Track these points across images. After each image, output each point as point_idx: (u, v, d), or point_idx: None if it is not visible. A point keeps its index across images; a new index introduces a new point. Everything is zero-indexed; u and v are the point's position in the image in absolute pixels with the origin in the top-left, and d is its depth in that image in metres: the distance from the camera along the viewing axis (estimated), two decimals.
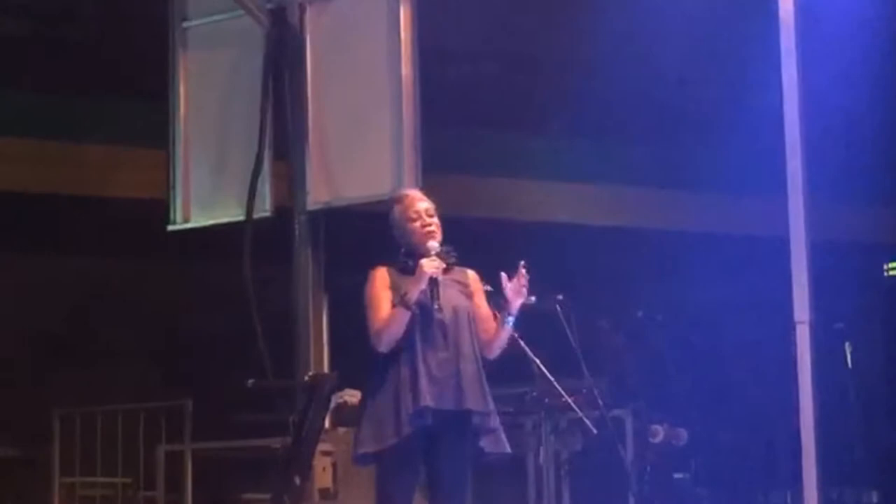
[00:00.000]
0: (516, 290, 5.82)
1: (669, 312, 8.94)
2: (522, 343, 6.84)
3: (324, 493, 8.60)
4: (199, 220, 9.09)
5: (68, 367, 12.19)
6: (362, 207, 8.80)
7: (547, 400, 7.77)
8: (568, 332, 7.29)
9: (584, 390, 7.83)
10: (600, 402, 7.83)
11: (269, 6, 8.92)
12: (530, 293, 7.49)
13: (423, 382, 5.74)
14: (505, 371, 8.50)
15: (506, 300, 5.84)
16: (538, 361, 6.93)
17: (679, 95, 12.59)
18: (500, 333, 5.91)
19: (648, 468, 8.18)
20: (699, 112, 12.41)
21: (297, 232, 8.68)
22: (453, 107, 11.44)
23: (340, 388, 8.70)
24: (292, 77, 8.84)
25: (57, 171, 11.82)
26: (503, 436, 5.99)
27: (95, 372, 12.06)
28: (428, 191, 8.37)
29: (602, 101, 12.01)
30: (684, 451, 8.33)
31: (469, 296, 5.93)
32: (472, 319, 5.88)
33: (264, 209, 8.73)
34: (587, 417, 7.41)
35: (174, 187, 9.14)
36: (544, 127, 13.09)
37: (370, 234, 10.52)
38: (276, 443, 8.34)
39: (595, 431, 7.41)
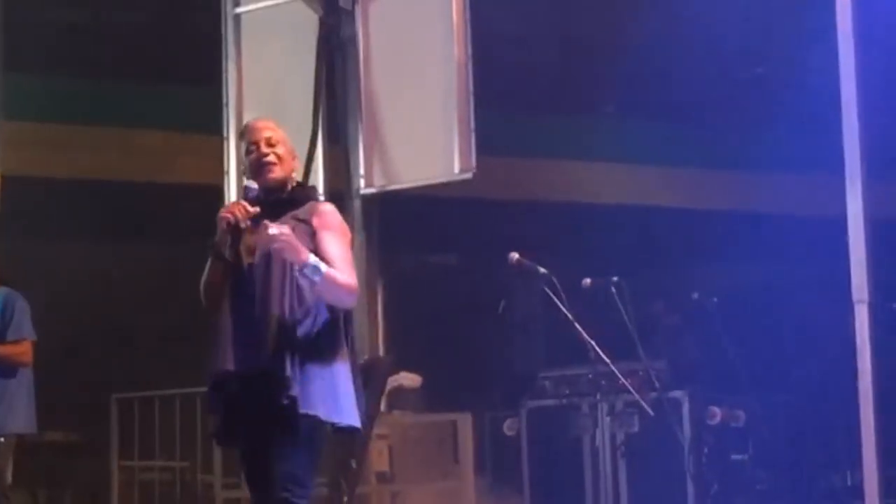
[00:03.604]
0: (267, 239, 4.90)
1: (726, 293, 8.88)
2: (578, 326, 6.83)
3: (380, 476, 8.63)
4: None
5: (126, 352, 12.28)
6: (417, 191, 8.81)
7: (603, 382, 7.75)
8: (623, 313, 7.26)
9: (641, 372, 7.81)
10: (657, 383, 7.81)
11: None
12: (585, 276, 7.50)
13: (224, 343, 4.96)
14: (561, 353, 8.50)
15: None
16: (594, 343, 6.92)
17: (733, 75, 12.50)
18: (313, 288, 4.94)
19: (706, 450, 8.15)
20: (753, 91, 12.33)
21: (350, 216, 8.70)
22: (508, 90, 11.41)
23: (396, 372, 8.73)
24: (345, 62, 8.85)
25: (115, 157, 11.90)
26: (343, 405, 5.01)
27: (152, 357, 12.14)
28: (483, 174, 8.43)
29: (655, 83, 11.95)
30: (742, 432, 8.28)
31: (309, 235, 5.03)
32: (292, 264, 4.95)
33: (318, 193, 8.75)
34: (644, 399, 7.39)
35: (228, 173, 9.18)
36: (598, 109, 13.05)
37: (425, 218, 10.57)
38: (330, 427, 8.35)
39: (652, 413, 7.39)
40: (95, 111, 11.97)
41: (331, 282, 4.92)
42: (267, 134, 5.15)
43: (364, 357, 8.47)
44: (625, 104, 12.79)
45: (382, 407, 8.42)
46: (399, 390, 8.81)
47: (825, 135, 7.01)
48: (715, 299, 8.47)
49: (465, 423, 8.79)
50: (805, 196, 12.12)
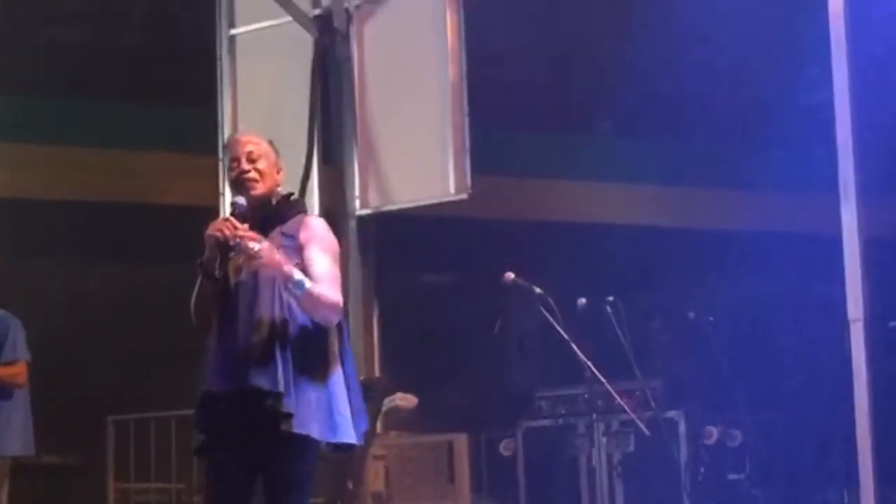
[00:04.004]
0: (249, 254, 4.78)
1: (721, 312, 8.90)
2: (574, 346, 6.83)
3: (376, 496, 8.61)
4: None
5: (122, 374, 12.27)
6: (412, 211, 8.81)
7: (599, 402, 7.76)
8: (619, 333, 7.26)
9: (637, 392, 7.81)
10: (653, 403, 7.81)
11: (316, 13, 8.95)
12: (581, 296, 7.49)
13: (214, 364, 4.86)
14: (557, 373, 8.49)
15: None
16: (590, 364, 6.92)
17: (727, 93, 12.52)
18: (298, 303, 4.85)
19: (702, 469, 8.15)
20: (748, 110, 12.35)
21: (345, 236, 8.70)
22: (503, 109, 11.42)
23: (392, 392, 8.72)
24: (340, 83, 8.86)
25: (110, 178, 11.89)
26: (337, 422, 4.91)
27: (148, 378, 12.13)
28: (478, 194, 8.43)
29: (650, 101, 11.97)
30: (738, 451, 8.28)
31: (296, 250, 4.91)
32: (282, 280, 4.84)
33: (313, 214, 8.74)
34: (640, 419, 7.39)
35: (223, 194, 9.18)
36: (594, 128, 13.06)
37: (420, 238, 10.55)
38: (326, 447, 8.33)
39: (648, 433, 7.39)
40: (91, 132, 11.97)
41: (313, 299, 4.81)
42: (249, 148, 5.02)
43: (360, 377, 8.46)
44: (620, 123, 12.81)
45: (378, 427, 8.40)
46: (395, 411, 8.80)
47: (820, 153, 7.02)
48: (711, 318, 8.48)
49: (461, 443, 8.77)
50: (801, 214, 12.13)
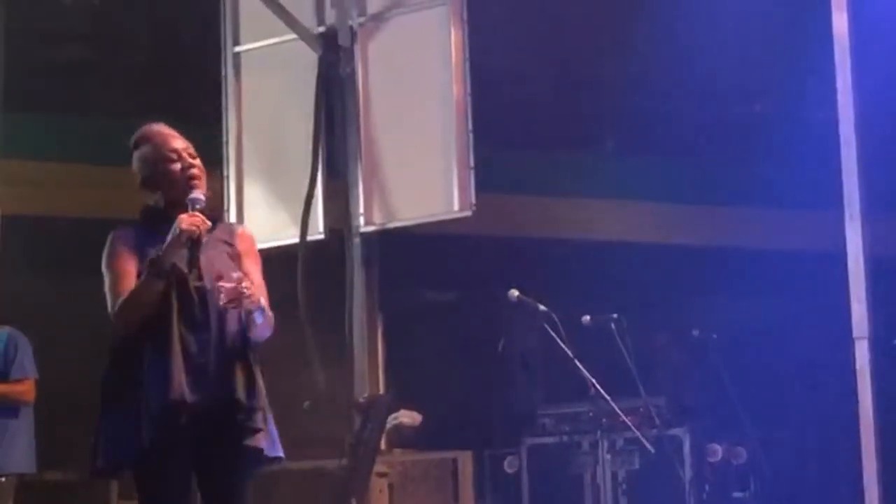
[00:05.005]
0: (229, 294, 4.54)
1: (725, 330, 8.90)
2: (578, 363, 6.83)
3: None
4: None
5: None
6: (416, 228, 8.82)
7: (604, 419, 7.75)
8: (623, 350, 7.26)
9: (641, 409, 7.80)
10: (657, 420, 7.81)
11: (320, 30, 8.96)
12: (585, 313, 7.49)
13: (177, 371, 4.50)
14: (561, 391, 8.48)
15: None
16: (594, 381, 6.91)
17: (731, 111, 12.53)
18: (251, 331, 4.64)
19: (707, 487, 8.14)
20: (752, 127, 12.35)
21: (349, 253, 8.69)
22: (507, 126, 11.43)
23: (396, 409, 8.71)
24: (344, 100, 8.86)
25: (115, 196, 11.88)
26: (276, 437, 4.74)
27: None
28: (483, 211, 8.43)
29: (654, 119, 11.97)
30: (743, 469, 8.28)
31: (234, 257, 4.73)
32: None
33: (318, 231, 8.75)
34: (644, 436, 7.39)
35: (228, 211, 9.18)
36: (597, 145, 13.06)
37: (424, 255, 10.56)
38: (329, 464, 8.34)
39: (652, 450, 7.38)
40: (96, 150, 11.98)
41: (269, 321, 4.66)
42: (184, 144, 4.86)
43: (364, 394, 8.46)
44: (624, 141, 12.81)
45: (382, 445, 8.39)
46: (399, 428, 8.79)
47: (824, 170, 7.02)
48: (715, 336, 8.48)
49: (465, 460, 8.77)
50: (805, 231, 12.12)
